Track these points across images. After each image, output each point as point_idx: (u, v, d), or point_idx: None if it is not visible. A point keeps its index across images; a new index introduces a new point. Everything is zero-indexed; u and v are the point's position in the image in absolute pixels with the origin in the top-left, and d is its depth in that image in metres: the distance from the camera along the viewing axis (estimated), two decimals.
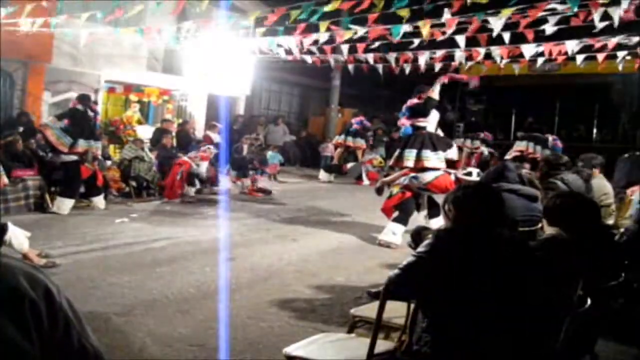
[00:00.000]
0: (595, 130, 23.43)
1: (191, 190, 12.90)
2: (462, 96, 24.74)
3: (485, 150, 19.28)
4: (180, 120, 16.77)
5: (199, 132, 16.89)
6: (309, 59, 11.84)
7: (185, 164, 12.75)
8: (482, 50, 10.31)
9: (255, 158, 15.02)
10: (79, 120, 10.67)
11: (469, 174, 8.56)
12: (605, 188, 8.07)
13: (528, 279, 3.17)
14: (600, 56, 10.17)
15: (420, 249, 3.22)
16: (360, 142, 18.45)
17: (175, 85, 17.59)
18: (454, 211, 3.32)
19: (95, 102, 12.60)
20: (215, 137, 14.88)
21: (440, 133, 9.81)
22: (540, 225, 6.06)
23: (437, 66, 11.50)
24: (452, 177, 8.94)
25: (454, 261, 3.12)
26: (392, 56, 11.47)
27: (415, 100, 9.56)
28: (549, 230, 4.08)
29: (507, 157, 13.15)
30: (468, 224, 3.26)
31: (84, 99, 11.07)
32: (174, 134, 14.86)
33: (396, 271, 3.25)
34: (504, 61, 10.73)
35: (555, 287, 3.41)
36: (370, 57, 11.49)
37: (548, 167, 7.58)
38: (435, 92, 9.45)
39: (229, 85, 18.81)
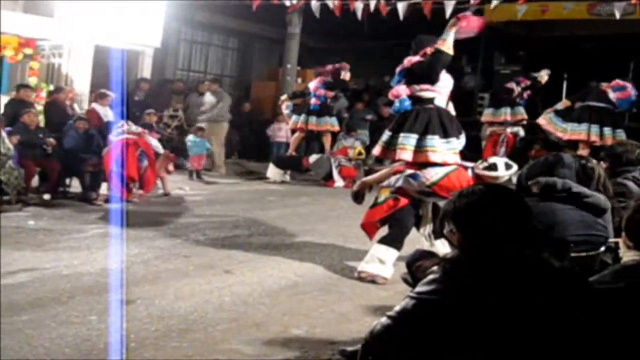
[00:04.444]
0: None
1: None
2: (488, 52, 24.84)
3: (521, 131, 19.26)
4: (52, 87, 16.61)
5: (81, 104, 16.74)
6: None
7: (142, 144, 13.50)
8: None
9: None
10: None
11: (493, 167, 8.56)
12: None
13: (585, 333, 3.16)
14: None
15: (420, 287, 3.20)
16: (330, 123, 18.42)
17: (43, 33, 17.38)
18: (458, 231, 3.30)
19: None
20: (106, 112, 14.78)
21: (451, 109, 9.78)
22: (602, 249, 6.08)
23: (449, 5, 11.50)
24: (470, 174, 8.92)
25: (465, 312, 3.09)
26: None
27: (416, 58, 9.44)
28: (628, 256, 4.05)
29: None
30: (485, 249, 3.24)
31: None
32: (39, 108, 14.67)
33: (383, 321, 3.23)
34: None
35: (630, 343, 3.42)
36: None
37: (613, 163, 7.63)
38: (448, 44, 9.15)
39: (127, 34, 18.65)
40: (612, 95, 15.01)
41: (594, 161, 7.00)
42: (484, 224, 3.26)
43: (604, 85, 15.55)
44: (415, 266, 4.51)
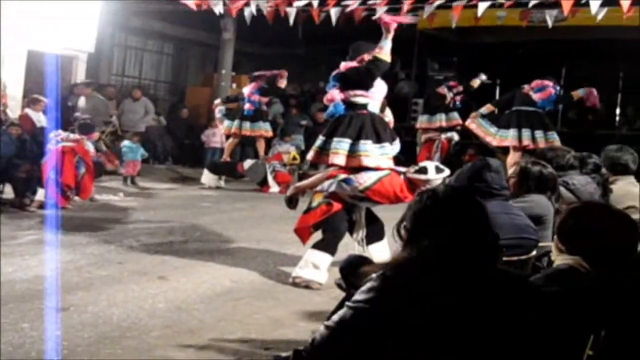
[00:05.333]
0: (618, 110, 24.01)
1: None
2: (422, 58, 24.93)
3: (455, 136, 19.33)
4: None
5: (14, 110, 16.55)
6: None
7: (80, 150, 13.39)
8: None
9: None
10: None
11: (423, 170, 8.59)
12: (632, 195, 8.20)
13: (533, 338, 3.16)
14: (626, 2, 10.40)
15: (358, 296, 3.16)
16: (263, 128, 18.41)
17: None
18: (409, 234, 3.28)
19: None
20: (39, 117, 14.60)
21: (389, 115, 9.76)
22: (533, 253, 6.12)
23: (380, 11, 11.50)
24: (402, 179, 8.91)
25: (413, 317, 3.07)
26: None
27: (352, 64, 9.39)
28: (560, 260, 4.06)
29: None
30: (435, 253, 3.21)
31: None
32: None
33: (322, 331, 3.19)
34: (483, 5, 10.80)
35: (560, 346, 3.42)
36: None
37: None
38: (385, 51, 9.11)
39: (61, 38, 18.46)
40: (534, 97, 15.21)
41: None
42: (432, 225, 3.25)
43: (525, 87, 15.71)
44: (359, 272, 4.47)
